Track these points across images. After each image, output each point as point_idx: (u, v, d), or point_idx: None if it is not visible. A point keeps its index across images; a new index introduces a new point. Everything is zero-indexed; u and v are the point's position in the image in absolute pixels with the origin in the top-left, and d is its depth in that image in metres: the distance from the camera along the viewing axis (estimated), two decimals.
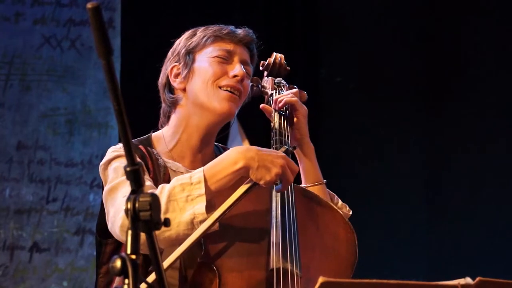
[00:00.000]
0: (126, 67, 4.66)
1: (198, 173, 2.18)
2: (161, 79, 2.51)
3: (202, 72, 2.42)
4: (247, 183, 2.19)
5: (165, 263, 2.05)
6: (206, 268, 2.18)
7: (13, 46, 4.73)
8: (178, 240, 2.14)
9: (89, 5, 1.40)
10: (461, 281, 1.75)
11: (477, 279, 1.74)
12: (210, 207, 2.15)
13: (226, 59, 2.43)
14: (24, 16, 4.75)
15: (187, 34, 2.51)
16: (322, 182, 2.50)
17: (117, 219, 2.17)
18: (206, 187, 2.15)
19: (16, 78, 4.72)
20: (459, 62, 5.08)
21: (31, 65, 4.74)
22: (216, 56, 2.43)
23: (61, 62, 4.79)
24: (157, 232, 2.06)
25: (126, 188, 2.16)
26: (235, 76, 2.41)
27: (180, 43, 2.49)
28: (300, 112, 2.48)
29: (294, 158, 2.44)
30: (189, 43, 2.47)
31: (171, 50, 2.52)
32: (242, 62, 2.45)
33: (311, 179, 2.48)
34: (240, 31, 2.48)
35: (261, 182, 2.18)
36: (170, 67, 2.48)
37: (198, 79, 2.42)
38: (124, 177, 2.23)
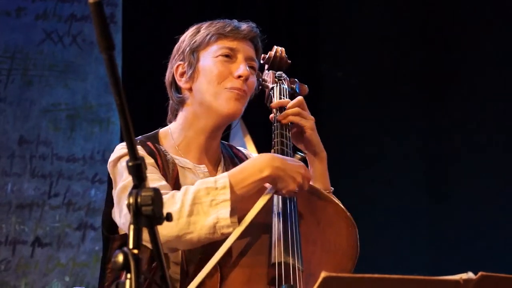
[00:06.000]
0: (127, 62, 4.66)
1: (223, 178, 2.17)
2: (168, 77, 2.48)
3: (207, 72, 2.40)
4: (267, 193, 2.20)
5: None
6: (207, 263, 2.18)
7: (14, 41, 4.73)
8: (199, 243, 2.16)
9: (90, 0, 1.40)
10: (463, 275, 1.75)
11: (479, 274, 1.74)
12: (233, 213, 2.15)
13: (230, 57, 2.40)
14: (25, 11, 4.75)
15: (191, 30, 2.47)
16: (329, 190, 2.49)
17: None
18: (232, 192, 2.15)
19: (18, 73, 4.72)
20: (459, 59, 5.07)
21: (32, 60, 4.74)
22: (220, 55, 2.40)
23: (63, 58, 4.79)
24: (179, 234, 2.10)
25: None
26: (239, 76, 2.38)
27: (185, 41, 2.46)
28: (307, 126, 2.44)
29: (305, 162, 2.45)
30: (193, 41, 2.43)
31: (176, 47, 2.49)
32: (247, 59, 2.42)
33: (320, 186, 2.45)
34: (244, 27, 2.44)
35: (284, 191, 2.20)
36: (175, 65, 2.45)
37: (204, 80, 2.40)
38: None
